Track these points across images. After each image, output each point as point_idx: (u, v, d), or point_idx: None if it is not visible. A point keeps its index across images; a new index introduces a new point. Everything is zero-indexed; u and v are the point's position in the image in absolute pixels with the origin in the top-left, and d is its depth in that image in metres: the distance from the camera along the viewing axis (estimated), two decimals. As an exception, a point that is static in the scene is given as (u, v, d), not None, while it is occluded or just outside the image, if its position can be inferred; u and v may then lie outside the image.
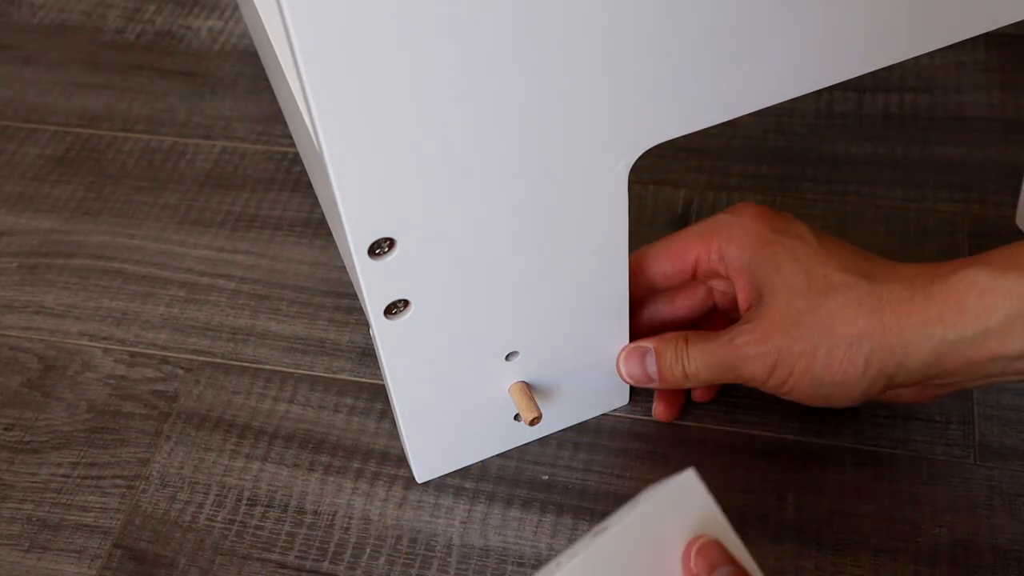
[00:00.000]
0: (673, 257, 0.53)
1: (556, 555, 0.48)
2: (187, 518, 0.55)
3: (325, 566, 0.53)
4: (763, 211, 0.52)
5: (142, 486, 0.57)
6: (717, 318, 0.56)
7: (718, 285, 0.54)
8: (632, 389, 0.58)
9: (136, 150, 0.74)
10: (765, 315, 0.49)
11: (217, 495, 0.56)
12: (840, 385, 0.48)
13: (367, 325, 0.56)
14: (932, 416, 0.56)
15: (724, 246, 0.51)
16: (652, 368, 0.52)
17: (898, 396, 0.51)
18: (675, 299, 0.55)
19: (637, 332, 0.54)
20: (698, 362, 0.51)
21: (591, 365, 0.54)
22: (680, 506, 0.40)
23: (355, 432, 0.58)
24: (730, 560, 0.39)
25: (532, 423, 0.51)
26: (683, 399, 0.57)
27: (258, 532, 0.55)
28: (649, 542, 0.40)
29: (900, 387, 0.49)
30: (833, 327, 0.47)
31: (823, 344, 0.47)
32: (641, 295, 0.54)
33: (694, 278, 0.54)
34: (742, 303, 0.52)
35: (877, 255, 0.50)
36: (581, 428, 0.57)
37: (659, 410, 0.56)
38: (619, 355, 0.53)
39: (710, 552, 0.39)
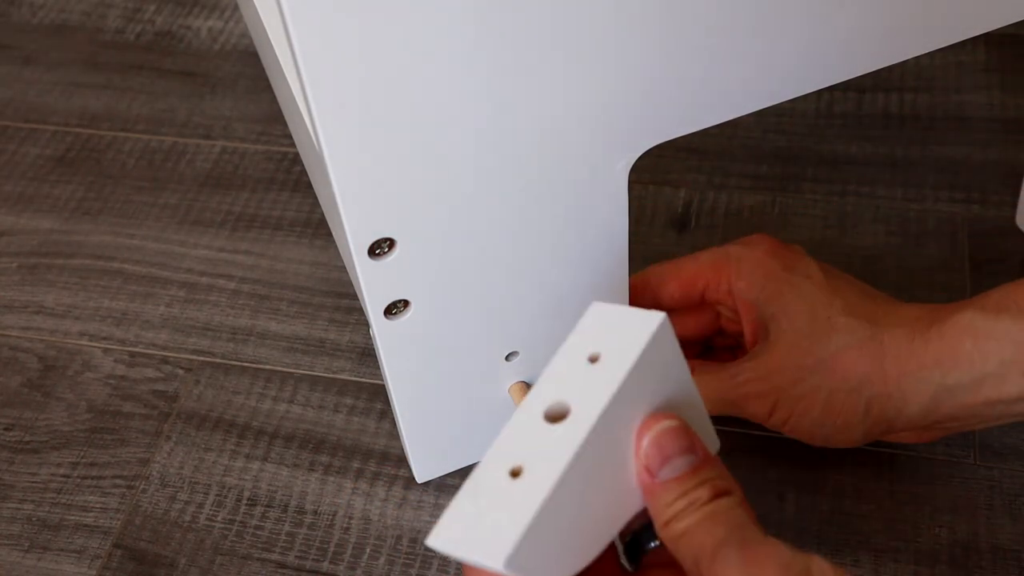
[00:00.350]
0: (683, 281, 0.53)
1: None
2: (187, 518, 0.55)
3: (325, 566, 0.53)
4: (775, 246, 0.52)
5: (142, 486, 0.57)
6: (722, 340, 0.56)
7: (725, 310, 0.55)
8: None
9: (136, 150, 0.74)
10: (769, 355, 0.50)
11: (217, 495, 0.56)
12: (840, 429, 0.49)
13: (367, 325, 0.56)
14: (932, 416, 0.56)
15: (734, 280, 0.52)
16: None
17: (899, 438, 0.52)
18: (684, 319, 0.55)
19: None
20: (702, 390, 0.51)
21: (591, 365, 0.54)
22: (652, 366, 0.36)
23: (355, 432, 0.58)
24: (689, 448, 0.36)
25: None
26: None
27: (258, 532, 0.55)
28: (624, 422, 0.36)
29: (900, 431, 0.50)
30: (834, 371, 0.48)
31: (824, 388, 0.48)
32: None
33: (702, 302, 0.54)
34: (748, 336, 0.52)
35: (882, 293, 0.51)
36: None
37: None
38: None
39: (666, 441, 0.36)
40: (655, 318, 0.37)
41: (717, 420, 0.51)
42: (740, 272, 0.52)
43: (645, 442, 0.36)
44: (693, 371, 0.48)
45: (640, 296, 0.54)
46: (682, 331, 0.55)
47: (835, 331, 0.48)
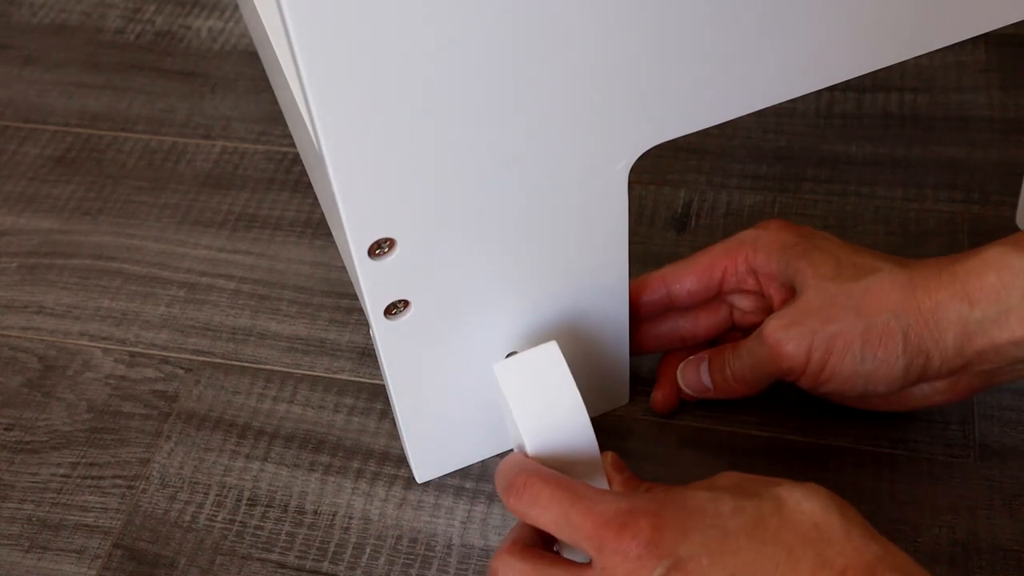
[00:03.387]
0: (699, 273, 0.54)
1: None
2: (187, 518, 0.55)
3: (325, 566, 0.53)
4: (787, 223, 0.53)
5: (142, 486, 0.57)
6: (735, 336, 0.56)
7: (739, 302, 0.55)
8: (632, 389, 0.58)
9: (136, 150, 0.74)
10: (797, 302, 0.49)
11: (217, 495, 0.56)
12: (882, 363, 0.48)
13: (367, 325, 0.56)
14: (932, 416, 0.56)
15: (752, 256, 0.52)
16: (706, 377, 0.54)
17: (934, 392, 0.51)
18: (697, 316, 0.55)
19: (656, 347, 0.56)
20: (737, 364, 0.52)
21: (591, 365, 0.54)
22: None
23: (355, 432, 0.58)
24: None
25: None
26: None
27: (258, 532, 0.55)
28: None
29: (937, 375, 0.48)
30: (867, 304, 0.48)
31: (860, 322, 0.48)
32: (661, 311, 0.55)
33: (718, 295, 0.54)
34: (777, 305, 0.52)
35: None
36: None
37: (657, 399, 0.57)
38: (679, 367, 0.55)
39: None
40: (550, 345, 0.48)
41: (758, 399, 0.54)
42: (757, 249, 0.52)
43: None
44: (735, 347, 0.53)
45: (656, 295, 0.54)
46: (697, 330, 0.56)
47: (862, 271, 0.49)
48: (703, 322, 0.55)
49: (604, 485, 0.47)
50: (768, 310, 0.53)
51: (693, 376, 0.55)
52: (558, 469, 0.45)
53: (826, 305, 0.48)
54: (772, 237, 0.52)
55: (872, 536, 0.41)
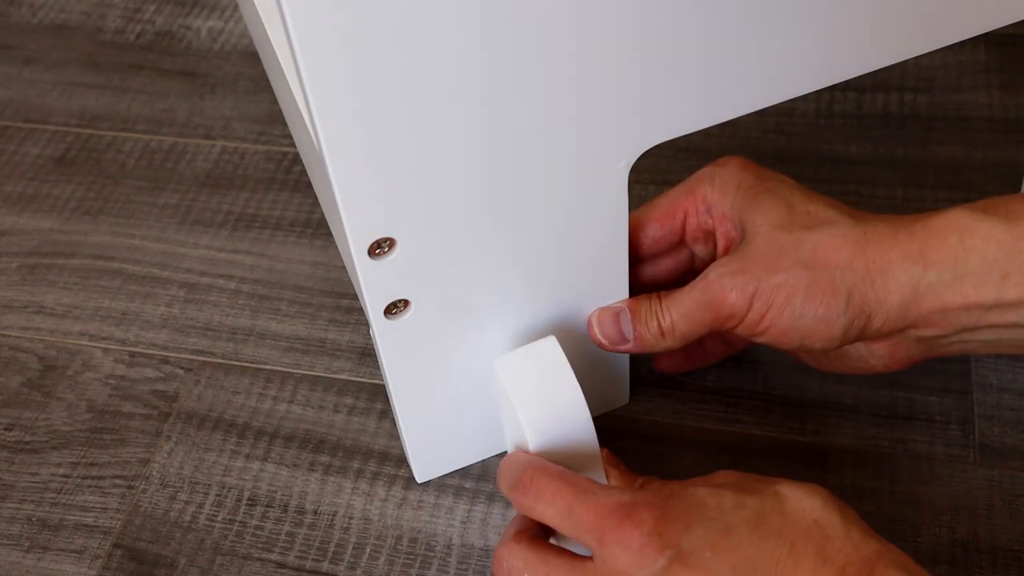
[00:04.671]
0: (662, 219, 0.52)
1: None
2: (187, 518, 0.55)
3: (325, 566, 0.53)
4: (747, 162, 0.51)
5: (142, 486, 0.57)
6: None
7: (700, 251, 0.54)
8: (632, 389, 0.58)
9: (136, 150, 0.74)
10: (744, 249, 0.48)
11: (217, 495, 0.56)
12: (821, 321, 0.47)
13: (367, 325, 0.56)
14: (932, 416, 0.56)
15: (710, 194, 0.51)
16: (627, 328, 0.50)
17: (871, 355, 0.50)
18: (659, 262, 0.54)
19: None
20: (673, 313, 0.49)
21: (591, 365, 0.54)
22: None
23: (355, 432, 0.58)
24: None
25: None
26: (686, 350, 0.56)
27: (258, 532, 0.55)
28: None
29: (876, 335, 0.47)
30: (816, 258, 0.46)
31: (805, 275, 0.46)
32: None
33: (682, 241, 0.53)
34: (722, 253, 0.51)
35: None
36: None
37: (663, 361, 0.56)
38: (591, 318, 0.51)
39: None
40: (549, 339, 0.49)
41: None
42: (714, 186, 0.51)
43: None
44: (661, 296, 0.51)
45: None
46: (658, 275, 0.54)
47: (816, 222, 0.47)
48: (664, 267, 0.54)
49: (603, 479, 0.47)
50: (722, 255, 0.51)
51: (611, 326, 0.51)
52: (559, 462, 0.46)
53: (773, 254, 0.47)
54: (729, 175, 0.51)
55: (871, 534, 0.41)
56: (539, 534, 0.46)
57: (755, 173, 0.51)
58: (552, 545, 0.45)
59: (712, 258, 0.53)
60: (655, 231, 0.52)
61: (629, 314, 0.51)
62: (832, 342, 0.48)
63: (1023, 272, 0.44)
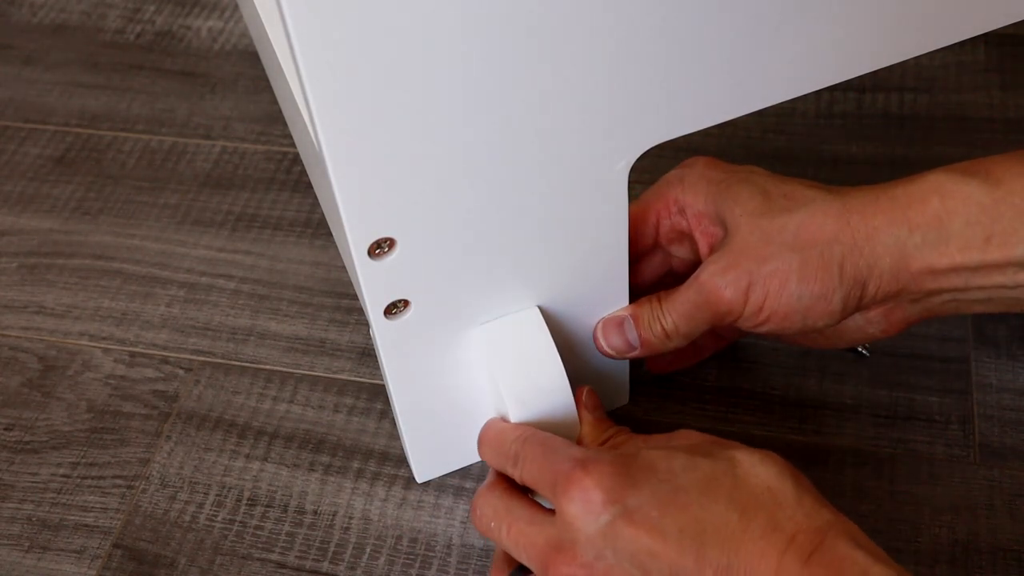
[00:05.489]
0: (633, 226, 0.52)
1: None
2: (187, 518, 0.55)
3: (325, 566, 0.53)
4: (713, 160, 0.52)
5: (142, 486, 0.57)
6: (672, 282, 0.54)
7: (678, 251, 0.54)
8: (632, 389, 0.58)
9: (136, 150, 0.74)
10: (730, 243, 0.48)
11: (217, 495, 0.56)
12: (819, 298, 0.47)
13: (367, 325, 0.56)
14: (932, 416, 0.56)
15: (681, 196, 0.51)
16: (632, 335, 0.51)
17: (868, 324, 0.50)
18: (635, 268, 0.54)
19: None
20: (673, 314, 0.50)
21: (591, 366, 0.54)
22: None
23: (355, 432, 0.58)
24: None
25: None
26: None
27: (258, 532, 0.55)
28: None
29: (872, 302, 0.47)
30: (801, 238, 0.46)
31: (794, 257, 0.46)
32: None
33: (655, 244, 0.53)
34: (704, 250, 0.51)
35: None
36: (581, 428, 0.57)
37: (655, 363, 0.57)
38: (596, 329, 0.52)
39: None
40: (532, 310, 0.50)
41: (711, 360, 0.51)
42: (685, 188, 0.51)
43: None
44: (661, 298, 0.51)
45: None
46: (636, 279, 0.54)
47: (794, 203, 0.47)
48: (642, 273, 0.54)
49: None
50: (705, 253, 0.51)
51: (617, 337, 0.51)
52: (538, 426, 0.48)
53: (759, 243, 0.47)
54: (698, 174, 0.51)
55: (823, 504, 0.41)
56: (514, 485, 0.47)
57: (723, 168, 0.51)
58: (522, 495, 0.46)
59: (691, 258, 0.53)
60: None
61: (632, 321, 0.51)
62: (833, 316, 0.47)
63: (1005, 235, 0.44)
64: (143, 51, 0.81)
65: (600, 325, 0.52)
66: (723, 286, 0.47)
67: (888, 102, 0.71)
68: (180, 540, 0.55)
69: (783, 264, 0.47)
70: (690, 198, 0.51)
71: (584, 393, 0.49)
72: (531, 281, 0.49)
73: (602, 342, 0.52)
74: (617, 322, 0.51)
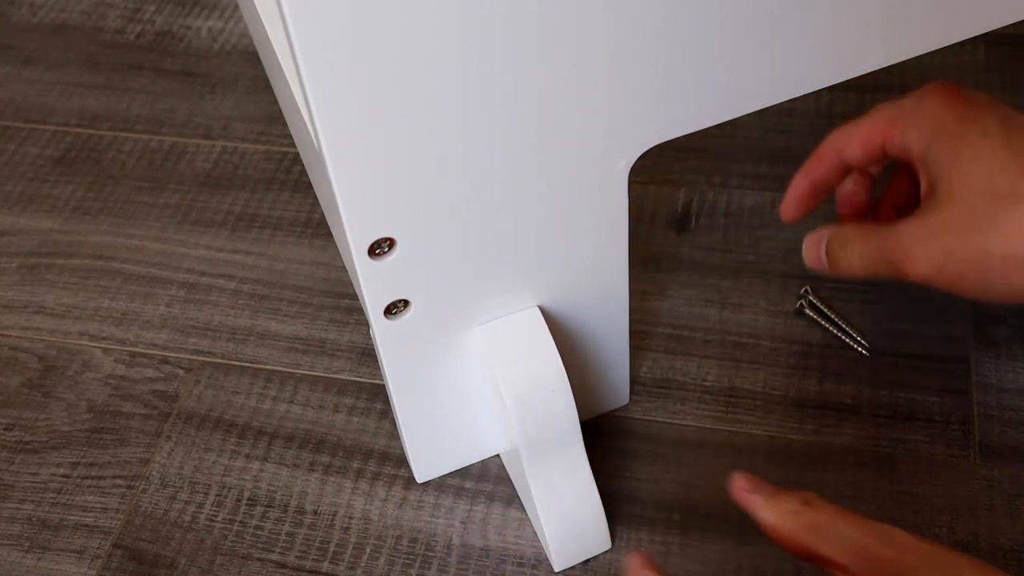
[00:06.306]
0: (863, 140, 0.50)
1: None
2: (187, 518, 0.55)
3: (325, 566, 0.53)
4: (951, 95, 0.48)
5: (142, 486, 0.57)
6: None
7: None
8: (632, 389, 0.58)
9: (136, 150, 0.74)
10: (938, 211, 0.46)
11: (217, 495, 0.56)
12: (1015, 294, 0.45)
13: (367, 325, 0.56)
14: (932, 416, 0.56)
15: (904, 132, 0.49)
16: (823, 254, 0.51)
17: None
18: (866, 178, 0.53)
19: (809, 210, 0.53)
20: (855, 255, 0.49)
21: (591, 365, 0.54)
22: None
23: (355, 432, 0.58)
24: None
25: None
26: (814, 202, 0.54)
27: (258, 532, 0.55)
28: None
29: None
30: (1012, 238, 0.44)
31: (998, 252, 0.44)
32: (836, 174, 0.52)
33: (886, 158, 0.51)
34: (924, 192, 0.49)
35: None
36: (581, 428, 0.57)
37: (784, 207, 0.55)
38: (806, 238, 0.52)
39: None
40: (532, 310, 0.50)
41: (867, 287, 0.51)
42: (909, 125, 0.48)
43: None
44: (853, 234, 0.49)
45: (826, 160, 0.51)
46: (867, 191, 0.53)
47: (1016, 198, 0.44)
48: (869, 183, 0.53)
49: (580, 442, 0.50)
50: (925, 192, 0.49)
51: (811, 250, 0.52)
52: (538, 430, 0.48)
53: (969, 226, 0.45)
54: (927, 115, 0.48)
55: None
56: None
57: (956, 114, 0.47)
58: None
59: (912, 190, 0.52)
60: (856, 150, 0.51)
61: (825, 243, 0.51)
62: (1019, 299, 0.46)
63: None
64: (143, 51, 0.81)
65: (808, 237, 0.52)
66: (920, 254, 0.46)
67: (888, 102, 0.71)
68: (180, 540, 0.55)
69: (984, 255, 0.44)
70: (913, 137, 0.48)
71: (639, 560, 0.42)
72: (531, 281, 0.49)
73: (804, 250, 0.52)
74: (818, 238, 0.51)
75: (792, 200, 0.53)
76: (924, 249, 0.46)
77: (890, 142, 0.49)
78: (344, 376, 0.61)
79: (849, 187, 0.53)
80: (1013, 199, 0.44)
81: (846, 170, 0.52)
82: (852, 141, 0.51)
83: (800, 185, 0.53)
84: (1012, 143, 0.46)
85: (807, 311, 0.60)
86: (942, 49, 0.49)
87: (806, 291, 0.61)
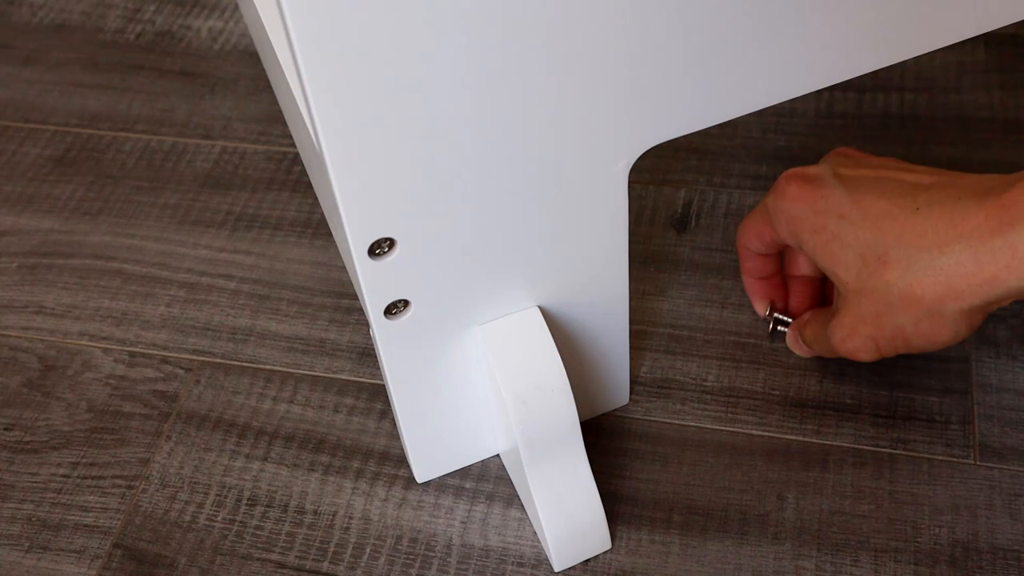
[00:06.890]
0: (756, 237, 0.55)
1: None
2: (187, 518, 0.55)
3: (325, 566, 0.53)
4: (800, 184, 0.51)
5: (142, 486, 0.57)
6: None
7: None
8: (632, 389, 0.58)
9: (136, 150, 0.74)
10: (847, 308, 0.50)
11: (217, 495, 0.56)
12: (955, 337, 0.48)
13: (367, 325, 0.56)
14: (932, 416, 0.56)
15: (776, 229, 0.53)
16: (801, 342, 0.58)
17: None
18: (792, 257, 0.58)
19: (771, 287, 0.59)
20: (818, 348, 0.55)
21: (591, 365, 0.54)
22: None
23: (355, 432, 0.58)
24: None
25: None
26: (772, 289, 0.60)
27: (258, 532, 0.55)
28: None
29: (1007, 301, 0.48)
30: (911, 303, 0.47)
31: (909, 321, 0.48)
32: (765, 261, 0.58)
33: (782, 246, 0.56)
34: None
35: (919, 173, 0.50)
36: (581, 428, 0.57)
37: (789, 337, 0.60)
38: (787, 333, 0.59)
39: None
40: (532, 310, 0.50)
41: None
42: (777, 222, 0.53)
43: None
44: (806, 325, 0.56)
45: (747, 254, 0.57)
46: (796, 270, 0.58)
47: (890, 268, 0.48)
48: (801, 262, 0.58)
49: (580, 442, 0.50)
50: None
51: (794, 341, 0.58)
52: (538, 430, 0.48)
53: (872, 313, 0.49)
54: (789, 219, 0.51)
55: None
56: None
57: (811, 206, 0.50)
58: None
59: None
60: (758, 246, 0.56)
61: (799, 334, 0.57)
62: (959, 338, 0.49)
63: None
64: (143, 51, 0.81)
65: (789, 331, 0.59)
66: (855, 350, 0.51)
67: (888, 102, 0.71)
68: (180, 540, 0.55)
69: (898, 327, 0.49)
70: (787, 237, 0.53)
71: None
72: (531, 281, 0.49)
73: (788, 344, 0.59)
74: (792, 330, 0.58)
75: (755, 300, 0.60)
76: (856, 346, 0.51)
77: (772, 236, 0.54)
78: (344, 376, 0.61)
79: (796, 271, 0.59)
80: (883, 272, 0.48)
81: (770, 255, 0.57)
82: (748, 235, 0.56)
83: (748, 284, 0.60)
84: (867, 212, 0.49)
85: (780, 328, 0.60)
86: (942, 49, 0.49)
87: (770, 311, 0.60)
